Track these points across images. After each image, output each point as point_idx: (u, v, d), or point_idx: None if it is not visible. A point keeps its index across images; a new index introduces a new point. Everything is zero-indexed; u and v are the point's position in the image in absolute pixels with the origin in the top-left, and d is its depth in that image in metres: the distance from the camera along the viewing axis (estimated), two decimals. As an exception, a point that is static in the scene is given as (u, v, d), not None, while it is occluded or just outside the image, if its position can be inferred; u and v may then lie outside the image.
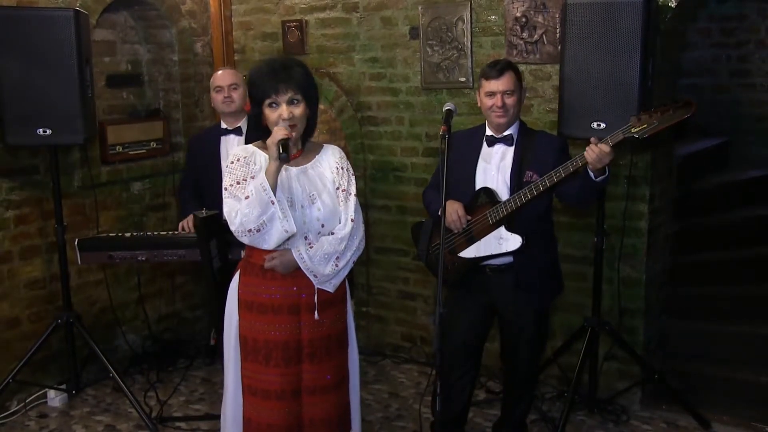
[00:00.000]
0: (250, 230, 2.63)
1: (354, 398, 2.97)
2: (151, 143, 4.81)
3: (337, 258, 2.75)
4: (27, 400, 4.17)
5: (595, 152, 2.98)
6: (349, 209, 2.79)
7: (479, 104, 3.32)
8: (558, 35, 3.90)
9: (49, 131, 3.76)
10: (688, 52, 5.82)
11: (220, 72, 4.12)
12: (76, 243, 3.87)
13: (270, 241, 2.66)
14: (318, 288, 2.77)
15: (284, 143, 2.61)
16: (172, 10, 4.83)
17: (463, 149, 3.33)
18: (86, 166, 4.38)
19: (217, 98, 4.04)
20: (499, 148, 3.29)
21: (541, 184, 3.09)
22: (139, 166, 4.76)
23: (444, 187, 2.68)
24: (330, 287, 2.79)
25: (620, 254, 3.97)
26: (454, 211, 3.24)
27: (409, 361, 4.77)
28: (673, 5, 3.76)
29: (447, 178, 2.68)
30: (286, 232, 2.64)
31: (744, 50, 5.78)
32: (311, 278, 2.75)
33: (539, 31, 4.05)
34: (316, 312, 2.77)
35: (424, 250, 3.46)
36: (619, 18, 3.37)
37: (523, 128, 3.33)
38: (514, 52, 4.12)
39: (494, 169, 3.28)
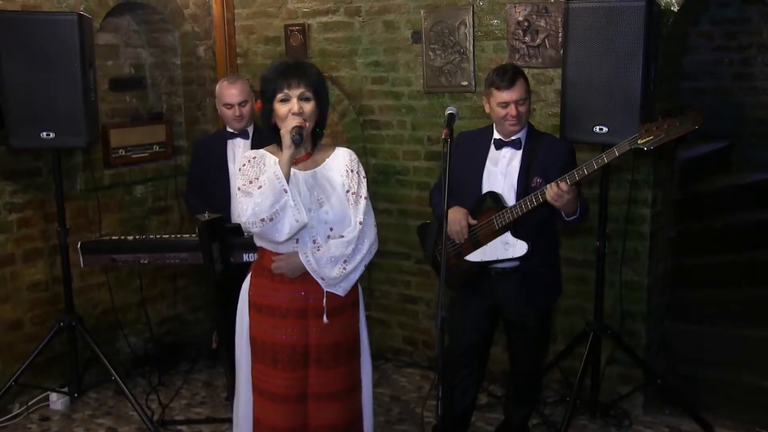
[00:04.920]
0: (262, 219, 2.59)
1: (367, 406, 2.93)
2: (154, 146, 4.82)
3: (345, 261, 2.72)
4: (29, 403, 4.17)
5: (553, 190, 2.98)
6: (358, 212, 2.77)
7: (489, 111, 3.28)
8: (560, 39, 3.90)
9: (52, 134, 3.77)
10: (690, 56, 5.81)
11: (227, 85, 4.00)
12: (78, 246, 3.87)
13: (283, 231, 2.63)
14: (327, 292, 2.75)
15: (298, 130, 2.62)
16: (175, 14, 4.84)
17: (470, 150, 3.33)
18: (89, 169, 4.39)
19: (227, 114, 4.00)
20: (507, 151, 3.27)
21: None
22: (141, 170, 4.77)
23: (446, 192, 2.68)
24: (340, 291, 2.76)
25: (622, 258, 3.96)
26: (457, 222, 3.21)
27: (411, 364, 4.76)
28: (675, 9, 3.76)
29: (453, 178, 2.68)
30: (297, 221, 2.61)
31: (746, 53, 5.77)
32: (319, 281, 2.72)
33: (541, 35, 4.05)
34: (324, 316, 2.74)
35: (429, 252, 3.46)
36: (621, 22, 3.37)
37: (531, 131, 3.31)
38: (516, 56, 4.12)
39: (500, 172, 3.27)
